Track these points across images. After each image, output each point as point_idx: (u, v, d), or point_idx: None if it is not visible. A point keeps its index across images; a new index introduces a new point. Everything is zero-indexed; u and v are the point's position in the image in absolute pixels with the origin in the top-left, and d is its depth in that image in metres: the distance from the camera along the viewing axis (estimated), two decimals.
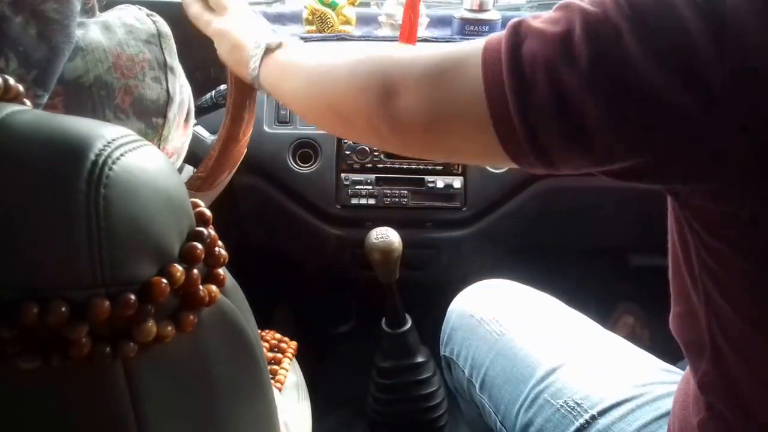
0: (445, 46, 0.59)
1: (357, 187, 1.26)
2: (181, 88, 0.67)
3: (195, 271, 0.38)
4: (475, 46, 0.56)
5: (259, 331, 1.07)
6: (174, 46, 0.65)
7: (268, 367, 0.97)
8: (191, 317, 0.38)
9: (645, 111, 0.48)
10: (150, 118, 0.62)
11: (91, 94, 0.58)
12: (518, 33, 0.53)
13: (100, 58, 0.58)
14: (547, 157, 0.54)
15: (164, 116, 0.63)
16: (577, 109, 0.49)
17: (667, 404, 0.73)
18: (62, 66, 0.55)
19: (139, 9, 0.65)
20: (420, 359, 1.21)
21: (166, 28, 0.65)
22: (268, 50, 0.75)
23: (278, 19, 1.50)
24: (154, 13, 0.65)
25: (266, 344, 1.04)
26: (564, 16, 0.51)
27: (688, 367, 0.65)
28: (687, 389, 0.64)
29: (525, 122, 0.52)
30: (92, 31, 0.59)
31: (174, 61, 0.65)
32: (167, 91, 0.63)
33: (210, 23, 0.80)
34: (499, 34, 0.55)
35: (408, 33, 1.21)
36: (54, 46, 0.54)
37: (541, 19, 0.53)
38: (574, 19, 0.50)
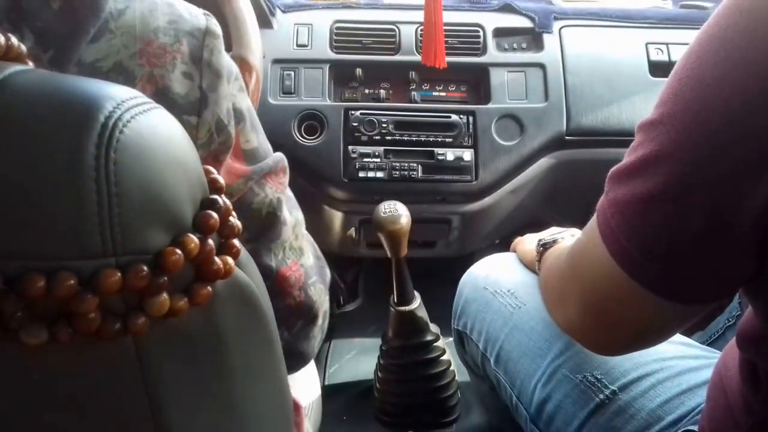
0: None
1: (365, 159, 1.24)
2: (240, 105, 0.61)
3: (210, 241, 0.36)
4: (591, 220, 0.55)
5: None
6: (221, 48, 0.57)
7: None
8: (206, 290, 0.36)
9: None
10: (180, 115, 0.54)
11: (107, 79, 0.50)
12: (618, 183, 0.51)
13: (127, 43, 0.51)
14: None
15: (198, 115, 0.55)
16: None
17: (689, 379, 0.71)
18: (83, 45, 0.49)
19: (204, 13, 0.57)
20: (429, 337, 1.19)
21: (217, 29, 0.57)
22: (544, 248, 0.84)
23: None
24: (211, 15, 0.58)
25: None
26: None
27: (724, 352, 0.63)
28: (728, 375, 0.61)
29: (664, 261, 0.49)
30: (129, 14, 0.52)
31: (218, 61, 0.56)
32: (200, 88, 0.55)
33: None
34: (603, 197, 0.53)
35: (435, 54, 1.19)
36: (78, 23, 0.48)
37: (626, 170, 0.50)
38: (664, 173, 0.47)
